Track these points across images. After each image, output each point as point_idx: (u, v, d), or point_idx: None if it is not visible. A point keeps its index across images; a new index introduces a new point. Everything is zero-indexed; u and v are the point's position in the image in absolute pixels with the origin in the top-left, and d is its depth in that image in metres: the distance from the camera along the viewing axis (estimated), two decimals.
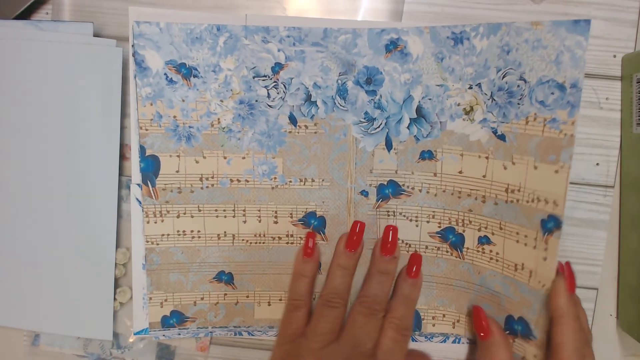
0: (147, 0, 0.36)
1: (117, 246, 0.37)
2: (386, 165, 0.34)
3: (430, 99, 0.33)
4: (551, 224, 0.30)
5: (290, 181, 0.35)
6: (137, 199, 0.35)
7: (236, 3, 0.36)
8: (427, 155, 0.34)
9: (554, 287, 0.30)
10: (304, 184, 0.35)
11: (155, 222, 0.35)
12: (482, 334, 0.32)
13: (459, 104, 0.33)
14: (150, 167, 0.35)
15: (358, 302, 0.33)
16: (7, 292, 0.37)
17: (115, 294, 0.37)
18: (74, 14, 0.37)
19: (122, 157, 0.37)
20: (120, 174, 0.37)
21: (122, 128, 0.36)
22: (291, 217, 0.35)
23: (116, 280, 0.37)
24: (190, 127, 0.34)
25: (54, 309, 0.37)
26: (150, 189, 0.35)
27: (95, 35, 0.35)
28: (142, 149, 0.34)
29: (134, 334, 0.36)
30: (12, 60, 0.35)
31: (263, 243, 0.36)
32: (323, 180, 0.35)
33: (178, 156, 0.35)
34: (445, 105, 0.33)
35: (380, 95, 0.34)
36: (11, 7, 0.36)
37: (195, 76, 0.34)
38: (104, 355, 0.38)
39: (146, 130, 0.34)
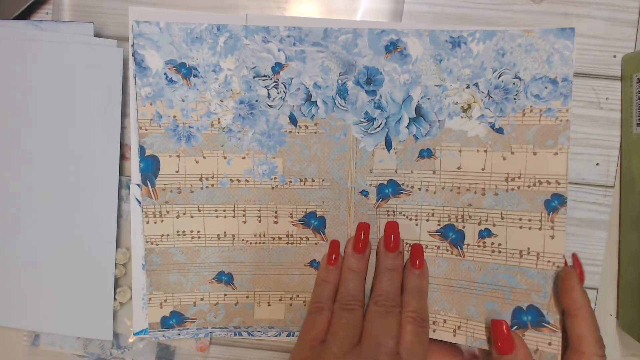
0: (147, 0, 0.36)
1: (117, 246, 0.37)
2: (386, 164, 0.34)
3: (429, 99, 0.34)
4: (555, 203, 0.32)
5: (290, 181, 0.35)
6: (136, 199, 0.35)
7: (236, 3, 0.36)
8: (426, 153, 0.34)
9: (566, 281, 0.31)
10: (304, 184, 0.35)
11: (155, 223, 0.35)
12: (500, 345, 0.31)
13: (456, 103, 0.33)
14: (150, 167, 0.35)
15: (372, 303, 0.33)
16: (7, 292, 0.37)
17: (115, 294, 0.37)
18: (74, 14, 0.37)
19: (122, 157, 0.37)
20: (120, 174, 0.37)
21: (122, 128, 0.36)
22: (291, 217, 0.35)
23: (116, 280, 0.37)
24: (190, 127, 0.34)
25: (54, 309, 0.37)
26: (150, 189, 0.35)
27: (96, 35, 0.35)
28: (141, 149, 0.34)
29: (134, 335, 0.36)
30: (12, 60, 0.35)
31: (263, 243, 0.36)
32: (323, 180, 0.35)
33: (178, 156, 0.35)
34: (444, 104, 0.34)
35: (380, 95, 0.34)
36: (11, 7, 0.36)
37: (195, 76, 0.34)
38: (104, 355, 0.38)
39: (146, 130, 0.34)
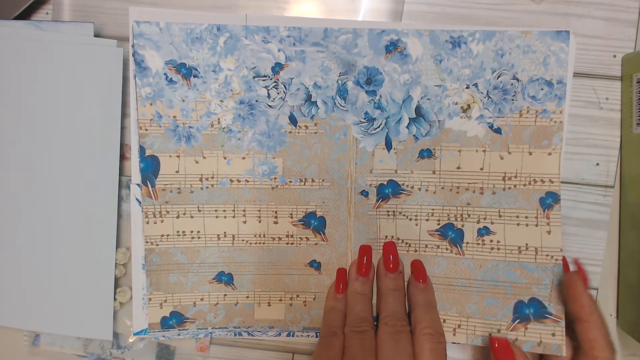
0: (147, 0, 0.36)
1: (117, 246, 0.37)
2: (386, 165, 0.34)
3: (429, 99, 0.34)
4: (549, 200, 0.33)
5: (291, 181, 0.35)
6: (136, 199, 0.35)
7: (236, 3, 0.36)
8: (426, 153, 0.34)
9: (572, 288, 0.31)
10: (304, 184, 0.35)
11: (155, 223, 0.35)
12: (500, 358, 0.32)
13: (456, 103, 0.34)
14: (150, 167, 0.35)
15: (382, 324, 0.32)
16: (7, 292, 0.37)
17: (115, 294, 0.37)
18: (74, 14, 0.37)
19: (122, 157, 0.37)
20: (121, 174, 0.37)
21: (122, 128, 0.36)
22: (291, 218, 0.35)
23: (116, 280, 0.37)
24: (190, 127, 0.34)
25: (54, 309, 0.37)
26: (150, 189, 0.35)
27: (96, 35, 0.35)
28: (141, 149, 0.34)
29: (134, 335, 0.36)
30: (12, 60, 0.35)
31: (263, 243, 0.36)
32: (323, 180, 0.35)
33: (178, 156, 0.35)
34: (444, 104, 0.34)
35: (380, 96, 0.34)
36: (11, 7, 0.36)
37: (195, 76, 0.34)
38: (104, 355, 0.38)
39: (146, 130, 0.34)
